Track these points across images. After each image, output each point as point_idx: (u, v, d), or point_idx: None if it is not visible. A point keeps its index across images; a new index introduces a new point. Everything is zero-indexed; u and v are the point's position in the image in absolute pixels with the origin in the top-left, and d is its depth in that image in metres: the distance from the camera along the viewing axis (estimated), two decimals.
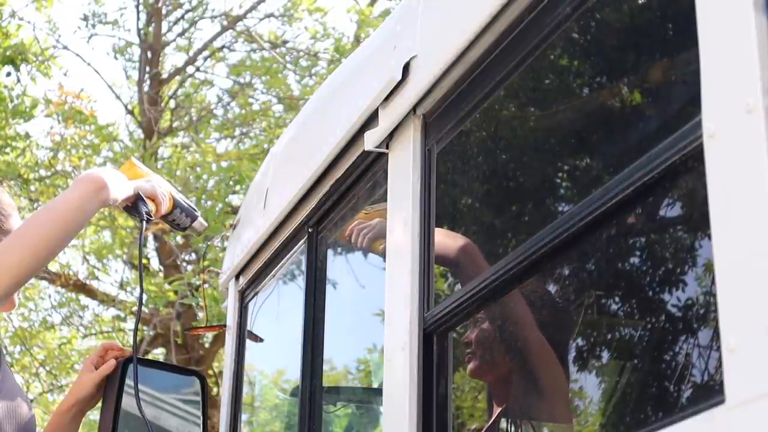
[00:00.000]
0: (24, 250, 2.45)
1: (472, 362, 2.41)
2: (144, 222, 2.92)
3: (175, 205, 3.12)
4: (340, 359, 3.13)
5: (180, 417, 3.24)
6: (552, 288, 2.14)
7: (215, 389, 10.24)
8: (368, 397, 3.05)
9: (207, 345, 10.88)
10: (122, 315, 11.59)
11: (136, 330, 2.91)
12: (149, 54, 11.24)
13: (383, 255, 2.48)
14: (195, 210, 3.17)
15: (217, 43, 11.28)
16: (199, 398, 3.13)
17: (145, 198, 2.95)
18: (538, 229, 1.90)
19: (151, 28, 11.35)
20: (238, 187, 9.93)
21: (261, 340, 3.28)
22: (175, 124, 11.09)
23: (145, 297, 11.17)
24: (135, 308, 11.20)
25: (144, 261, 10.92)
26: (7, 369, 2.67)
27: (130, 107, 11.50)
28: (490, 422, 2.40)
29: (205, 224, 3.22)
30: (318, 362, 2.77)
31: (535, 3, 1.94)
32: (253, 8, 11.04)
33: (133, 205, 2.93)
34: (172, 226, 3.19)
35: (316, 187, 2.76)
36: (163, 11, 11.26)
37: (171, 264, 10.35)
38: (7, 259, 2.45)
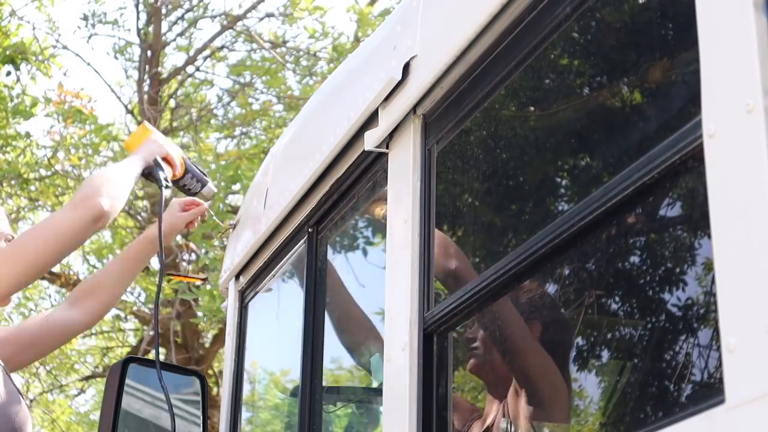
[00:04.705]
0: (17, 263, 2.67)
1: (473, 362, 2.41)
2: (162, 189, 2.99)
3: (187, 169, 3.16)
4: (340, 359, 3.13)
5: (180, 417, 3.24)
6: (552, 288, 2.14)
7: (215, 389, 10.24)
8: (368, 397, 3.05)
9: (207, 345, 10.88)
10: (122, 315, 11.60)
11: (156, 320, 2.93)
12: (149, 54, 11.24)
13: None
14: (205, 175, 3.22)
15: (217, 43, 11.28)
16: (199, 398, 3.14)
17: (160, 162, 3.00)
18: (538, 229, 1.90)
19: (151, 28, 11.34)
20: (238, 187, 9.92)
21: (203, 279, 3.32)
22: (175, 124, 11.08)
23: (144, 296, 11.18)
24: (135, 308, 11.21)
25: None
26: (1, 371, 2.68)
27: (130, 107, 11.50)
28: (490, 422, 2.40)
29: (215, 190, 3.28)
30: (318, 362, 2.77)
31: (535, 3, 1.94)
32: (252, 8, 11.04)
33: (150, 173, 2.99)
34: (182, 191, 3.24)
35: (316, 187, 2.76)
36: (163, 11, 11.25)
37: (170, 263, 10.35)
38: (2, 270, 2.65)
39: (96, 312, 3.07)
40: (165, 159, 3.04)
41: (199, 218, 3.27)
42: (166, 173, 3.01)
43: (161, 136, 3.14)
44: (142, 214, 10.68)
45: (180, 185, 3.20)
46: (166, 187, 3.00)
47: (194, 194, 3.25)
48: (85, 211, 2.71)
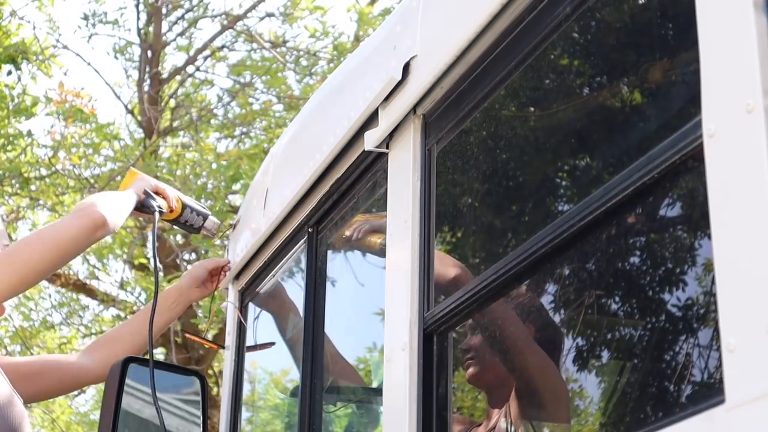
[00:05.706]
0: (12, 271, 2.63)
1: (472, 362, 2.41)
2: (157, 215, 2.97)
3: (185, 205, 3.13)
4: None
5: (180, 417, 3.24)
6: (552, 288, 2.14)
7: (215, 389, 10.24)
8: (368, 397, 3.05)
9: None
10: (122, 315, 11.59)
11: (151, 328, 2.93)
12: (149, 54, 11.24)
13: (380, 251, 2.49)
14: (205, 209, 3.20)
15: (217, 43, 11.27)
16: (199, 398, 3.14)
17: (152, 193, 2.99)
18: (538, 229, 1.90)
19: (151, 28, 11.34)
20: (238, 187, 9.92)
21: (271, 344, 3.29)
22: (175, 124, 11.08)
23: (144, 296, 11.18)
24: (135, 308, 11.20)
25: (143, 260, 10.93)
26: None
27: (130, 107, 11.50)
28: (490, 422, 2.40)
29: (218, 222, 3.25)
30: (318, 362, 2.77)
31: (535, 3, 1.94)
32: (253, 7, 11.04)
33: (142, 204, 2.98)
34: (185, 229, 3.22)
35: (316, 187, 2.76)
36: (164, 11, 11.25)
37: (170, 263, 10.35)
38: None
39: (106, 362, 2.99)
40: (156, 191, 3.03)
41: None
42: (158, 202, 3.02)
43: (152, 179, 3.13)
44: None
45: (181, 222, 3.16)
46: (160, 212, 3.00)
47: (197, 229, 3.22)
48: (86, 219, 2.71)
